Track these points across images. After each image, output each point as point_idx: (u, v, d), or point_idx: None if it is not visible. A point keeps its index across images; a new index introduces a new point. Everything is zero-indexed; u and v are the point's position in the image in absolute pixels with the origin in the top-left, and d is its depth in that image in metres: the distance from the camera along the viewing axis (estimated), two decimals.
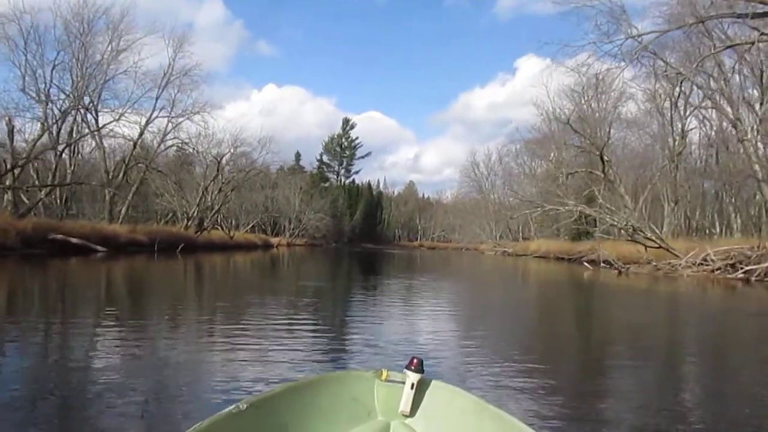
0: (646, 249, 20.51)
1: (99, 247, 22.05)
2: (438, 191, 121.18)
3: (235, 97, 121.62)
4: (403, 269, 24.49)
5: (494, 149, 70.35)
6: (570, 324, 8.59)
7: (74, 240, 21.40)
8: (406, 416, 2.09)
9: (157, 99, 30.57)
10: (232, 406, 1.73)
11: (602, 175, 26.21)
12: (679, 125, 27.96)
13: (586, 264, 23.83)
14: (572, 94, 30.77)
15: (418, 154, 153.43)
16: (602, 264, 22.92)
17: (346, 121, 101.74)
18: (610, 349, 6.20)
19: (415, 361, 2.14)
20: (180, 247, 26.32)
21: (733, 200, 28.48)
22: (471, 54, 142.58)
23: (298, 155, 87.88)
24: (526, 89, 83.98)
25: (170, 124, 31.86)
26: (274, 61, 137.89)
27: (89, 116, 28.84)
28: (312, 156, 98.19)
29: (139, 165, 31.17)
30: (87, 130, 28.28)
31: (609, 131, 27.19)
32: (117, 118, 28.15)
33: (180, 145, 33.07)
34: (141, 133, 29.92)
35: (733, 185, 27.69)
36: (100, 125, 28.53)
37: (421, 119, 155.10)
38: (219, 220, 42.22)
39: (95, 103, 28.39)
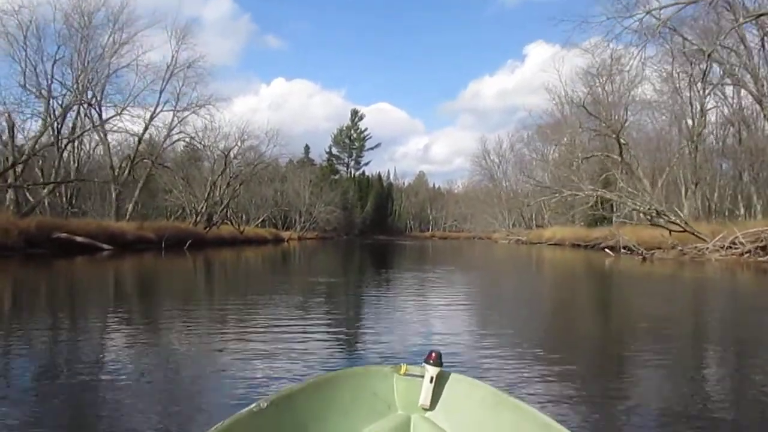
0: (670, 233, 19.64)
1: (105, 246, 21.57)
2: (449, 181, 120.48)
3: (245, 91, 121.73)
4: (416, 261, 23.84)
5: (505, 137, 69.39)
6: (596, 319, 7.87)
7: (79, 239, 20.93)
8: (426, 410, 2.11)
9: (161, 93, 30.04)
10: (253, 405, 1.74)
11: (619, 159, 25.32)
12: (698, 105, 26.95)
13: (606, 251, 22.93)
14: (586, 77, 29.85)
15: (428, 145, 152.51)
16: (623, 250, 22.10)
17: (354, 113, 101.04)
18: (641, 347, 5.49)
19: (433, 354, 2.15)
20: (187, 243, 25.79)
21: (755, 181, 27.50)
22: (480, 42, 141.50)
23: (307, 148, 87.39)
24: (536, 75, 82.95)
25: (176, 119, 31.31)
26: (283, 55, 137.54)
27: (93, 112, 28.30)
28: (321, 149, 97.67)
29: (145, 161, 30.66)
30: (90, 126, 27.65)
31: (626, 113, 26.16)
32: (119, 111, 27.49)
33: (186, 139, 32.48)
34: (146, 128, 29.39)
35: (755, 165, 26.74)
36: (103, 120, 27.91)
37: (430, 110, 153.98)
38: (228, 215, 41.75)
39: (98, 98, 27.86)
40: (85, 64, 26.34)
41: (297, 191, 64.84)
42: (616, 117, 26.82)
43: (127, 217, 28.51)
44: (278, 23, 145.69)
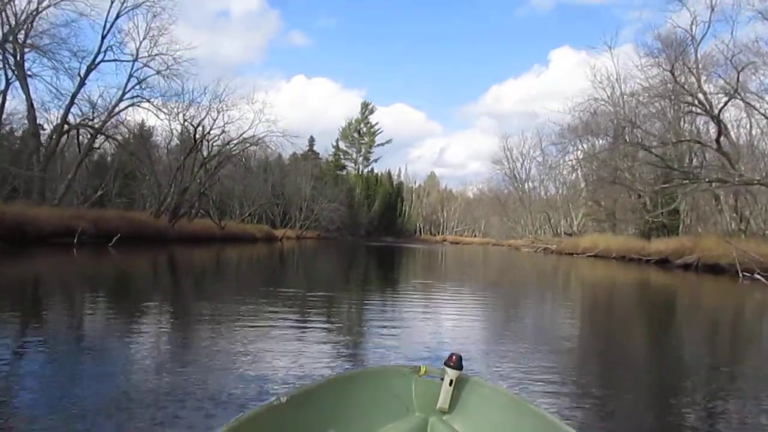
0: None
1: None
2: (463, 183, 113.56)
3: (267, 88, 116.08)
4: (431, 275, 17.24)
5: (530, 134, 62.59)
6: None
7: None
8: (444, 412, 2.08)
9: (102, 38, 22.66)
10: (273, 399, 1.73)
11: (715, 146, 18.37)
12: None
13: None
14: (668, 40, 22.18)
15: (443, 148, 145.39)
16: (744, 274, 15.05)
17: (365, 106, 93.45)
18: None
19: (453, 357, 2.11)
20: (114, 239, 18.95)
21: None
22: (507, 45, 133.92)
23: (311, 140, 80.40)
24: (559, 80, 76.70)
25: (133, 79, 24.21)
26: (306, 52, 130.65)
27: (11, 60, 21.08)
28: (330, 145, 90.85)
29: (82, 129, 23.33)
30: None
31: (737, 80, 18.59)
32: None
33: (142, 104, 24.70)
34: (81, 83, 22.05)
35: None
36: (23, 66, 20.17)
37: (449, 112, 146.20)
38: (208, 207, 35.10)
39: (20, 39, 20.57)
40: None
41: (297, 185, 58.03)
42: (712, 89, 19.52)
43: (58, 200, 21.62)
44: (306, 19, 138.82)
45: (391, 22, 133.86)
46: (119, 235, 19.18)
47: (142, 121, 27.69)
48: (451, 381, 2.07)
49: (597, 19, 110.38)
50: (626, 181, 25.29)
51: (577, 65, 76.55)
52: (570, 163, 46.80)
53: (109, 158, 33.92)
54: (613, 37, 51.30)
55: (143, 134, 27.94)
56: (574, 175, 53.57)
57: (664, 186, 21.95)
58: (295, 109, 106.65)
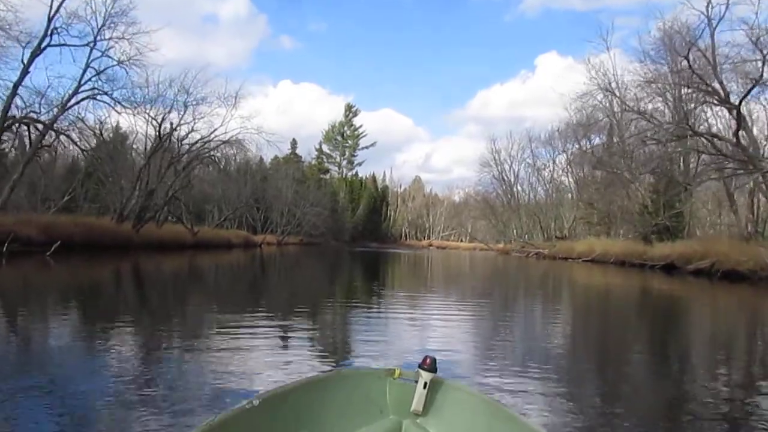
0: None
1: None
2: (449, 186, 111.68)
3: (255, 93, 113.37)
4: (422, 285, 15.21)
5: (518, 136, 61.01)
6: None
7: None
8: (419, 415, 2.04)
9: (49, 20, 19.88)
10: (245, 402, 1.68)
11: (733, 140, 16.52)
12: None
13: None
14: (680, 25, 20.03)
15: (429, 153, 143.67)
16: None
17: (348, 108, 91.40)
18: None
19: (428, 359, 2.08)
20: (54, 246, 16.60)
21: None
22: (494, 51, 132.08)
23: (294, 143, 78.06)
24: (547, 85, 75.64)
25: (91, 70, 21.84)
26: (294, 57, 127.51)
27: None
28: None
29: (29, 123, 20.69)
30: None
31: (763, 69, 16.45)
32: None
33: (102, 98, 22.37)
34: (24, 71, 19.33)
35: None
36: None
37: (437, 117, 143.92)
38: (180, 212, 32.75)
39: None
40: None
41: (279, 189, 55.77)
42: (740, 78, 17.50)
43: (1, 203, 19.18)
44: (295, 24, 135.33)
45: (380, 27, 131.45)
46: (59, 242, 16.80)
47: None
48: (426, 384, 2.02)
49: (584, 25, 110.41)
50: (625, 180, 23.33)
51: (564, 71, 75.24)
52: (563, 162, 45.25)
53: (82, 162, 31.74)
54: (610, 31, 50.13)
55: (102, 131, 25.59)
56: (565, 177, 52.20)
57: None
58: (282, 114, 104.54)
